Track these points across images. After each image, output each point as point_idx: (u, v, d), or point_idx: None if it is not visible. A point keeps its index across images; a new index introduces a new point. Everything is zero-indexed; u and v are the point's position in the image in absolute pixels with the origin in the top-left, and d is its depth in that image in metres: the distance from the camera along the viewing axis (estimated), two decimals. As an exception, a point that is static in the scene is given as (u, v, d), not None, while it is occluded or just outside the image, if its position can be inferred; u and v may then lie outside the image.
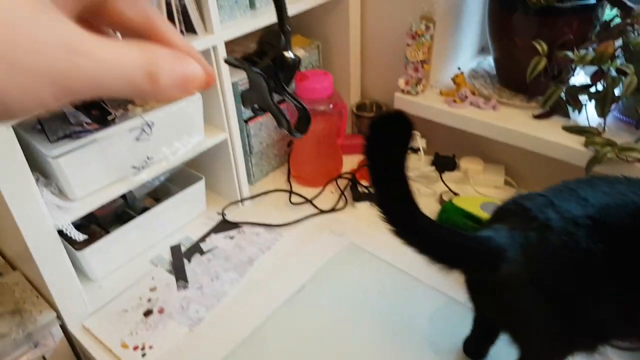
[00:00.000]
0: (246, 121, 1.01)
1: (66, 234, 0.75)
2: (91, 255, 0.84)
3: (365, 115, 1.21)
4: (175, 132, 0.87)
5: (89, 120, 0.78)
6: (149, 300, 0.84)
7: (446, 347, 0.75)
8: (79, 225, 0.85)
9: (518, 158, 1.06)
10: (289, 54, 0.42)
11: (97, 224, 0.95)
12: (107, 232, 0.90)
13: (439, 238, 0.55)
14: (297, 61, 0.43)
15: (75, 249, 0.82)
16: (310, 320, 0.80)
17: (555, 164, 0.92)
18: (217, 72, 0.88)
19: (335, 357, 0.74)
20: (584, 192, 0.57)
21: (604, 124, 0.89)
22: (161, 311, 0.81)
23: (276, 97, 0.43)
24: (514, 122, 0.97)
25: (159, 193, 1.03)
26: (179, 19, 0.79)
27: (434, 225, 0.56)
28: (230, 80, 0.91)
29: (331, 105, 1.01)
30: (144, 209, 0.94)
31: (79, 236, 0.76)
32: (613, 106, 0.90)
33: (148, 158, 0.83)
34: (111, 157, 0.79)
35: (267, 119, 1.05)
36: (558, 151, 0.91)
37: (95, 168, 0.78)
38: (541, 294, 0.55)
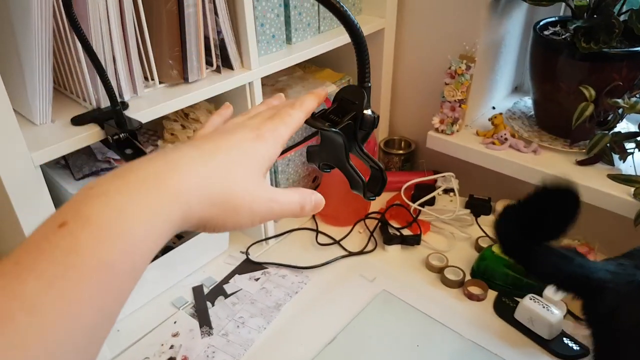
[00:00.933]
0: (275, 157, 0.98)
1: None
2: (111, 297, 0.80)
3: (394, 152, 1.18)
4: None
5: (116, 157, 0.74)
6: (172, 347, 0.79)
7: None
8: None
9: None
10: (369, 112, 0.39)
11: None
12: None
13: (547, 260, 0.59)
14: (376, 119, 0.40)
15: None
16: (344, 377, 0.75)
17: (601, 213, 0.88)
18: (251, 104, 0.85)
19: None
20: None
21: (654, 174, 0.86)
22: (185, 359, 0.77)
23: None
24: (556, 167, 0.93)
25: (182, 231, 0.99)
26: (216, 54, 0.76)
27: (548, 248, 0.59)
28: (262, 116, 0.88)
29: (365, 144, 0.97)
30: (167, 248, 0.90)
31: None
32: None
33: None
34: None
35: (294, 155, 1.02)
36: (604, 200, 0.87)
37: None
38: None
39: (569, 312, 0.83)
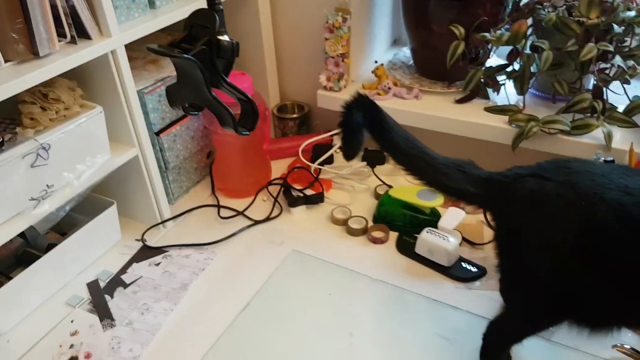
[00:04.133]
0: (157, 133, 0.94)
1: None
2: (-10, 307, 0.73)
3: (288, 117, 1.19)
4: (77, 154, 0.78)
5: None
6: (72, 346, 0.74)
7: (407, 340, 0.74)
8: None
9: (444, 145, 1.09)
10: (224, 38, 0.39)
11: (-8, 270, 0.83)
12: (9, 278, 0.78)
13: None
14: (235, 45, 0.39)
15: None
16: (260, 340, 0.76)
17: (481, 145, 0.96)
18: (119, 80, 0.80)
19: (293, 376, 0.71)
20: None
21: (524, 101, 0.94)
22: (88, 356, 0.72)
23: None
24: (438, 109, 1.00)
25: (64, 226, 0.92)
26: (68, 22, 0.71)
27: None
28: (134, 88, 0.84)
29: (253, 108, 0.97)
30: (50, 246, 0.83)
31: (-28, 287, 0.65)
32: (530, 83, 0.97)
33: (48, 186, 0.74)
34: (3, 190, 0.69)
35: (181, 129, 0.99)
36: (483, 132, 0.95)
37: (-16, 204, 0.67)
38: (532, 242, 0.58)
39: (464, 239, 0.91)
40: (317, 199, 1.02)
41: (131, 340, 0.75)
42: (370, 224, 0.96)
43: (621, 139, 0.87)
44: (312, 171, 1.07)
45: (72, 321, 0.79)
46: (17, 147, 0.69)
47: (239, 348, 0.75)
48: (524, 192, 0.58)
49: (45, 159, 0.72)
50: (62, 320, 0.79)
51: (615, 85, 0.89)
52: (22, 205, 0.72)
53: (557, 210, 0.55)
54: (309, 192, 1.04)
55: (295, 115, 1.19)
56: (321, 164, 1.08)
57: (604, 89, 0.90)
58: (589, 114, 0.88)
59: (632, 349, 0.71)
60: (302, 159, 1.07)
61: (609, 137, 0.84)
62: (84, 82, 0.80)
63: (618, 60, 0.82)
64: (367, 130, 0.72)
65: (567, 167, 0.58)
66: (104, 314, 0.79)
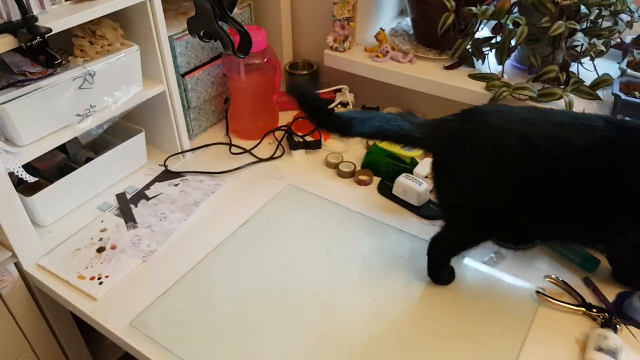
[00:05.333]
0: (183, 75, 1.10)
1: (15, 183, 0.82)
2: (39, 201, 0.92)
3: (298, 73, 1.34)
4: (116, 82, 0.95)
5: (32, 70, 0.84)
6: (101, 239, 0.93)
7: (374, 258, 0.90)
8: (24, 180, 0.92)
9: (432, 106, 1.24)
10: None
11: (41, 176, 1.01)
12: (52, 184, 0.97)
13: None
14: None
15: (25, 196, 0.88)
16: (254, 249, 0.93)
17: (463, 107, 1.10)
18: (154, 25, 0.96)
19: (279, 276, 0.87)
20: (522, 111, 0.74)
21: (503, 70, 1.07)
22: (114, 247, 0.91)
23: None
24: (428, 73, 1.13)
25: (100, 147, 1.10)
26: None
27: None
28: (167, 34, 0.99)
29: (265, 59, 1.12)
30: (87, 160, 1.01)
31: (30, 178, 0.83)
32: (512, 56, 1.09)
33: (91, 106, 0.91)
34: (56, 105, 0.86)
35: (203, 74, 1.15)
36: (465, 95, 1.09)
37: (41, 115, 0.85)
38: (458, 174, 0.73)
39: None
40: (315, 145, 1.17)
41: (149, 238, 0.93)
42: (358, 168, 1.12)
43: (584, 109, 0.99)
44: (314, 121, 1.22)
45: (102, 221, 0.97)
46: (69, 71, 0.86)
47: (235, 253, 0.92)
48: (449, 132, 0.72)
49: (91, 84, 0.89)
50: (93, 220, 0.98)
51: (598, 63, 1.02)
52: (70, 119, 0.89)
53: (474, 144, 0.70)
54: (309, 139, 1.19)
55: (305, 72, 1.34)
56: (323, 116, 1.23)
57: (576, 64, 1.02)
58: (555, 84, 1.01)
59: (560, 279, 0.85)
60: (306, 109, 1.22)
61: (570, 105, 0.97)
62: (125, 24, 0.96)
63: (580, 36, 0.94)
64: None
65: (482, 110, 0.73)
66: (129, 218, 0.97)
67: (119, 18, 0.94)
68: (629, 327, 0.78)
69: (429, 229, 0.96)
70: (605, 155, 0.67)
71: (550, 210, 0.72)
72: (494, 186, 0.70)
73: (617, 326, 0.77)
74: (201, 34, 0.56)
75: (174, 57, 1.06)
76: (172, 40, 1.04)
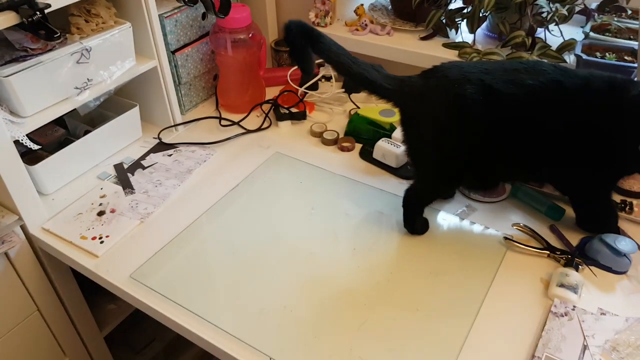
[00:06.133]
0: (173, 52, 1.17)
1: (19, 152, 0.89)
2: (42, 170, 0.99)
3: (283, 49, 1.41)
4: (110, 58, 1.01)
5: (32, 46, 0.91)
6: (101, 204, 1.00)
7: (355, 214, 0.98)
8: (27, 152, 0.99)
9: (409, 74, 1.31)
10: None
11: (43, 150, 1.08)
12: (54, 154, 1.04)
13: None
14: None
15: (29, 165, 0.96)
16: (244, 209, 1.00)
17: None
18: (144, 3, 1.03)
19: (267, 231, 0.95)
20: (486, 64, 0.82)
21: (474, 38, 1.15)
22: (113, 211, 0.98)
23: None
24: (405, 44, 1.21)
25: (97, 122, 1.17)
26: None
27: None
28: (157, 12, 1.06)
29: (250, 35, 1.19)
30: (86, 133, 1.08)
31: (33, 145, 0.90)
32: (484, 25, 1.16)
33: (88, 80, 0.98)
34: (56, 78, 0.93)
35: (192, 51, 1.21)
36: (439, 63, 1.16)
37: (43, 88, 0.92)
38: (424, 126, 0.81)
39: (415, 150, 1.13)
40: (301, 116, 1.25)
41: (146, 202, 1.01)
42: (341, 136, 1.19)
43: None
44: (299, 94, 1.29)
45: (101, 188, 1.04)
46: (67, 46, 0.93)
47: (226, 212, 0.99)
48: (414, 87, 0.80)
49: (87, 59, 0.96)
50: (93, 188, 1.05)
51: (565, 29, 1.10)
52: (69, 92, 0.96)
53: (438, 96, 0.77)
54: (294, 110, 1.27)
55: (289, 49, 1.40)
56: (307, 89, 1.30)
57: (544, 30, 1.10)
58: (523, 50, 1.08)
59: (527, 226, 0.93)
60: (291, 82, 1.29)
61: (535, 68, 1.04)
62: (118, 3, 1.03)
63: (543, 2, 1.02)
64: (307, 44, 0.89)
65: (442, 66, 0.81)
66: (126, 185, 1.05)
67: (111, -3, 1.01)
68: (590, 267, 0.86)
69: (405, 188, 1.03)
70: (553, 94, 0.75)
71: (511, 151, 0.79)
72: (458, 134, 0.77)
73: (579, 266, 0.85)
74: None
75: (164, 34, 1.13)
76: (162, 19, 1.11)
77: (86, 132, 1.09)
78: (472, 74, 0.75)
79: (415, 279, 0.85)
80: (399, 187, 1.04)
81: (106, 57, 1.00)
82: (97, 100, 1.04)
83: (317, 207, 1.00)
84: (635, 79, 0.92)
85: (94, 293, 1.15)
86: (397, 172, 1.07)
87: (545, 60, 1.02)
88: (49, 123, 0.96)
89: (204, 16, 1.23)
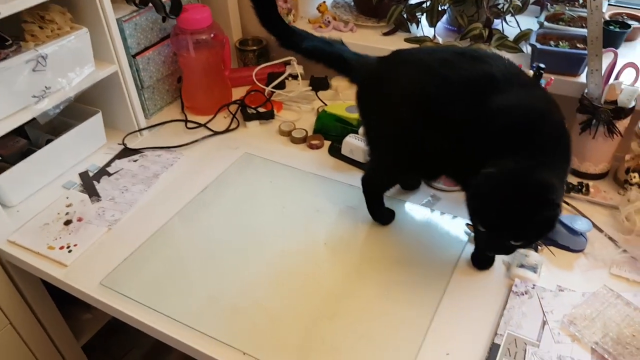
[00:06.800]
0: (134, 56, 1.17)
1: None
2: (4, 182, 0.98)
3: (248, 49, 1.41)
4: (68, 64, 1.01)
5: (-16, 55, 0.90)
6: (67, 213, 0.99)
7: (326, 209, 1.00)
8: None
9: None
10: None
11: (5, 162, 1.06)
12: (16, 164, 1.02)
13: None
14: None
15: (-12, 177, 0.94)
16: (215, 210, 1.01)
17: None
18: (101, 8, 1.02)
19: (239, 231, 0.96)
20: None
21: (435, 32, 1.17)
22: (80, 220, 0.98)
23: None
24: (368, 39, 1.23)
25: (60, 131, 1.15)
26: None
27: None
28: (114, 16, 1.06)
29: (212, 35, 1.19)
30: (48, 140, 1.07)
31: (-7, 157, 0.89)
32: (444, 18, 1.19)
33: (46, 87, 0.97)
34: (11, 87, 0.92)
35: (153, 54, 1.21)
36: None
37: (-1, 97, 0.90)
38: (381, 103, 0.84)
39: (381, 144, 1.15)
40: (268, 115, 1.26)
41: (113, 209, 1.00)
42: (310, 134, 1.20)
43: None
44: (266, 93, 1.30)
45: (67, 197, 1.04)
46: (21, 54, 0.92)
47: (197, 214, 1.00)
48: (371, 69, 0.84)
49: (44, 66, 0.95)
50: (59, 198, 1.04)
51: (521, 19, 1.13)
52: (27, 101, 0.95)
53: (391, 80, 0.80)
54: (262, 110, 1.28)
55: (254, 48, 1.41)
56: (274, 88, 1.31)
57: (501, 21, 1.13)
58: (481, 41, 1.11)
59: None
60: (257, 82, 1.30)
61: (493, 59, 1.08)
62: (73, 8, 1.02)
63: (496, -6, 1.05)
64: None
65: (399, 52, 0.85)
66: (92, 193, 1.04)
67: (66, 2, 1.00)
68: (549, 247, 0.89)
69: (375, 181, 1.06)
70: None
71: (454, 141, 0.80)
72: (408, 119, 0.80)
73: (538, 247, 0.89)
74: (137, 1, 0.64)
75: (124, 38, 1.12)
76: (121, 22, 1.10)
77: (48, 142, 1.07)
78: (426, 61, 0.79)
79: (383, 268, 0.88)
80: (367, 181, 1.07)
81: (64, 64, 0.99)
82: (57, 108, 1.02)
83: (288, 205, 1.01)
84: (586, 66, 0.96)
85: (67, 303, 1.14)
86: (364, 165, 1.10)
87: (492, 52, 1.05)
88: (9, 134, 0.95)
89: (164, 18, 1.23)
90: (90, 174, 1.10)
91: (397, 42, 1.20)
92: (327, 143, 1.18)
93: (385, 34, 1.23)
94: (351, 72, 0.89)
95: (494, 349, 0.73)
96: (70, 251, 0.91)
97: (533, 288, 0.81)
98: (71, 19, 1.01)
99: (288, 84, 1.35)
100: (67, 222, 0.97)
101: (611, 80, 0.97)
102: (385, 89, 0.83)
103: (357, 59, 0.88)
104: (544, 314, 0.77)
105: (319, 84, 1.33)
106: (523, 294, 0.80)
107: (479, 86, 0.75)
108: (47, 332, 1.12)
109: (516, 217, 0.68)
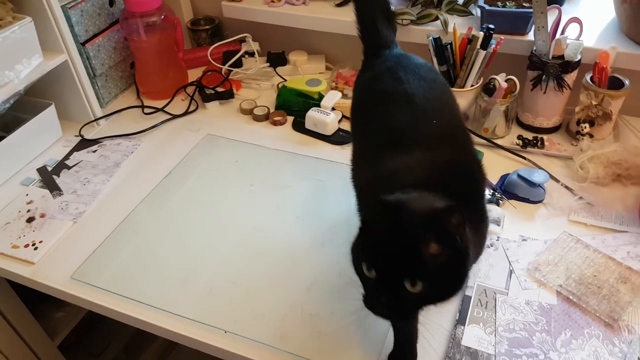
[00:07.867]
0: (83, 44, 1.13)
1: None
2: (-43, 184, 0.94)
3: (200, 28, 1.39)
4: (14, 56, 0.97)
5: None
6: (29, 210, 0.97)
7: (294, 184, 1.01)
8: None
9: (333, 45, 1.34)
10: None
11: (-47, 162, 1.03)
12: (-33, 163, 0.99)
13: None
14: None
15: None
16: (182, 194, 1.01)
17: (355, 40, 1.21)
18: (44, -5, 0.99)
19: (209, 212, 0.96)
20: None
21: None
22: (43, 216, 0.96)
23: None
24: (321, 12, 1.23)
25: (12, 127, 1.12)
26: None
27: None
28: (59, 4, 1.02)
29: (162, 17, 1.17)
30: (0, 140, 1.04)
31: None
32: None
33: (-7, 82, 0.94)
34: (-45, 84, 0.88)
35: (103, 40, 1.18)
36: (354, 29, 1.19)
37: (-58, 96, 0.87)
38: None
39: (343, 116, 1.17)
40: (228, 95, 1.25)
41: (76, 202, 0.99)
42: (272, 111, 1.21)
43: (458, 25, 1.13)
44: (223, 73, 1.29)
45: (27, 194, 1.01)
46: (-38, 49, 0.88)
47: (163, 199, 0.99)
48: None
49: (-13, 59, 0.92)
50: (18, 195, 1.01)
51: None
52: (-27, 97, 0.92)
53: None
54: (220, 90, 1.27)
55: (207, 27, 1.40)
56: (231, 67, 1.30)
57: (450, -13, 1.15)
58: (432, 7, 1.14)
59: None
60: (212, 61, 1.29)
61: (445, 23, 1.10)
62: (18, 3, 0.98)
63: (444, -42, 1.07)
64: None
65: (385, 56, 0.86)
66: (53, 188, 1.02)
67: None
68: (510, 201, 0.94)
69: (341, 153, 1.08)
70: None
71: None
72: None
73: (500, 201, 0.93)
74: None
75: (71, 26, 1.09)
76: (66, 10, 1.07)
77: (0, 139, 1.04)
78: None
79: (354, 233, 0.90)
80: (334, 154, 1.08)
81: (9, 56, 0.96)
82: (7, 103, 0.99)
83: (256, 183, 1.02)
84: (533, 24, 0.99)
85: (38, 303, 1.12)
86: (330, 139, 1.11)
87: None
88: (-44, 133, 0.92)
89: (111, 2, 1.19)
90: (49, 169, 1.07)
91: (350, 13, 1.19)
92: (290, 118, 1.19)
93: (337, 5, 1.23)
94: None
95: (465, 300, 0.77)
96: (36, 248, 0.90)
97: (498, 240, 0.86)
98: (12, 8, 0.98)
99: (245, 62, 1.34)
100: (30, 220, 0.95)
101: (557, 36, 1.01)
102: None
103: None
104: (510, 264, 0.82)
105: (276, 60, 1.33)
106: (489, 247, 0.84)
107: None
108: (19, 334, 1.10)
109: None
